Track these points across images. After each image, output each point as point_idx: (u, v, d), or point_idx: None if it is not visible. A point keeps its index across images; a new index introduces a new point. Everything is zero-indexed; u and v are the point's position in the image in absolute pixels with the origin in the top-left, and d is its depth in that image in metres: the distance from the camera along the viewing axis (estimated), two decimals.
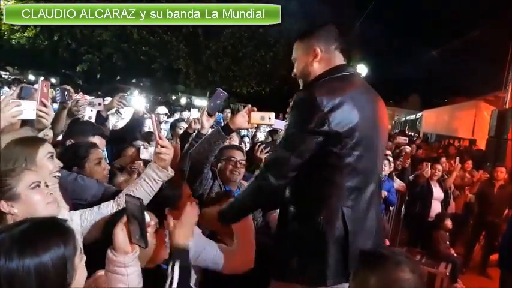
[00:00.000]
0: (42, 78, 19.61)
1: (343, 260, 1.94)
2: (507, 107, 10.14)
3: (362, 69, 26.31)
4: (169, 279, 1.74)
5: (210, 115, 3.07)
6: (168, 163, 2.18)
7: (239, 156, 3.11)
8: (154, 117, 2.27)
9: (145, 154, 3.05)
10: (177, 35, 18.05)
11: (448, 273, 5.28)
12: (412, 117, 24.55)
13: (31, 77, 27.44)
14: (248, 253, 2.34)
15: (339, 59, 2.18)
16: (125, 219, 1.58)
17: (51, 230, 1.32)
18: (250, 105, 2.85)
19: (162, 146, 2.15)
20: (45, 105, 2.34)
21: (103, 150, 3.21)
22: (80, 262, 1.36)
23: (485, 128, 12.10)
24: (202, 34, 18.09)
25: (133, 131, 4.40)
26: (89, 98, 4.36)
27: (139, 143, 3.76)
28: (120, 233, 1.57)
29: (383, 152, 2.27)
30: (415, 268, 1.51)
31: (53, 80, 26.06)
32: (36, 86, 2.43)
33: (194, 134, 3.26)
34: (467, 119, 15.30)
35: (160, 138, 2.16)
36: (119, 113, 5.28)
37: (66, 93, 3.00)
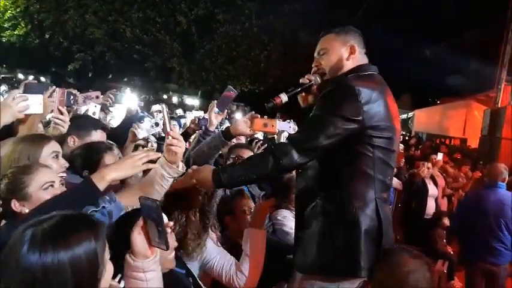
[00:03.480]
0: (29, 76, 19.34)
1: (376, 251, 1.94)
2: (499, 106, 10.31)
3: None
4: None
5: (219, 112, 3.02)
6: (179, 157, 2.07)
7: (248, 155, 3.12)
8: (166, 108, 2.15)
9: (141, 133, 2.98)
10: (171, 34, 18.01)
11: (445, 271, 5.37)
12: (404, 116, 24.71)
13: (20, 76, 27.19)
14: (255, 275, 2.34)
15: (365, 60, 2.22)
16: (141, 222, 1.49)
17: (82, 224, 1.29)
18: (253, 112, 2.82)
19: (173, 138, 2.02)
20: (61, 113, 2.39)
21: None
22: (107, 257, 1.33)
23: (476, 127, 12.28)
24: (196, 33, 18.06)
25: (128, 129, 4.35)
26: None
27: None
28: (138, 237, 1.49)
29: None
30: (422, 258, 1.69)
31: (42, 79, 25.88)
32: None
33: (201, 131, 3.23)
34: (458, 118, 15.45)
35: (171, 129, 2.05)
36: (108, 110, 5.09)
37: (72, 97, 2.97)
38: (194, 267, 2.30)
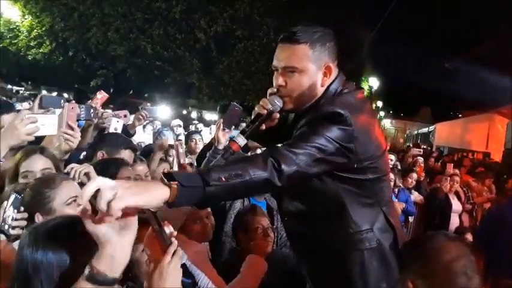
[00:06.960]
0: (52, 92, 19.75)
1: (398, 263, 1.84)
2: None
3: (374, 82, 26.38)
4: None
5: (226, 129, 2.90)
6: None
7: None
8: (179, 147, 2.13)
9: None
10: (191, 50, 18.25)
11: None
12: (425, 130, 24.45)
13: (44, 93, 27.78)
14: None
15: (335, 75, 1.86)
16: (151, 232, 1.48)
17: (76, 228, 1.31)
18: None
19: None
20: (71, 128, 2.33)
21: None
22: None
23: (499, 140, 12.05)
24: (215, 49, 18.27)
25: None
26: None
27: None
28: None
29: None
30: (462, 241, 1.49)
31: (65, 95, 26.45)
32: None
33: (211, 150, 3.21)
34: (480, 131, 15.20)
35: (183, 166, 2.08)
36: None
37: (91, 110, 2.97)
38: None
